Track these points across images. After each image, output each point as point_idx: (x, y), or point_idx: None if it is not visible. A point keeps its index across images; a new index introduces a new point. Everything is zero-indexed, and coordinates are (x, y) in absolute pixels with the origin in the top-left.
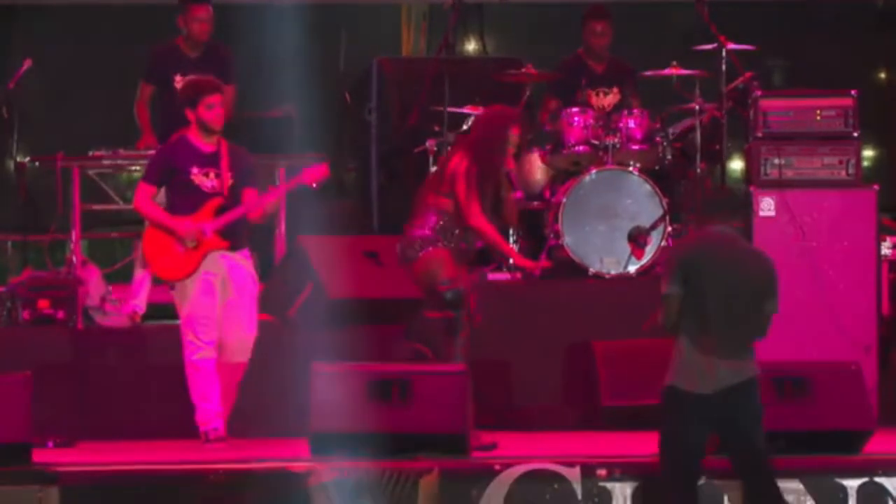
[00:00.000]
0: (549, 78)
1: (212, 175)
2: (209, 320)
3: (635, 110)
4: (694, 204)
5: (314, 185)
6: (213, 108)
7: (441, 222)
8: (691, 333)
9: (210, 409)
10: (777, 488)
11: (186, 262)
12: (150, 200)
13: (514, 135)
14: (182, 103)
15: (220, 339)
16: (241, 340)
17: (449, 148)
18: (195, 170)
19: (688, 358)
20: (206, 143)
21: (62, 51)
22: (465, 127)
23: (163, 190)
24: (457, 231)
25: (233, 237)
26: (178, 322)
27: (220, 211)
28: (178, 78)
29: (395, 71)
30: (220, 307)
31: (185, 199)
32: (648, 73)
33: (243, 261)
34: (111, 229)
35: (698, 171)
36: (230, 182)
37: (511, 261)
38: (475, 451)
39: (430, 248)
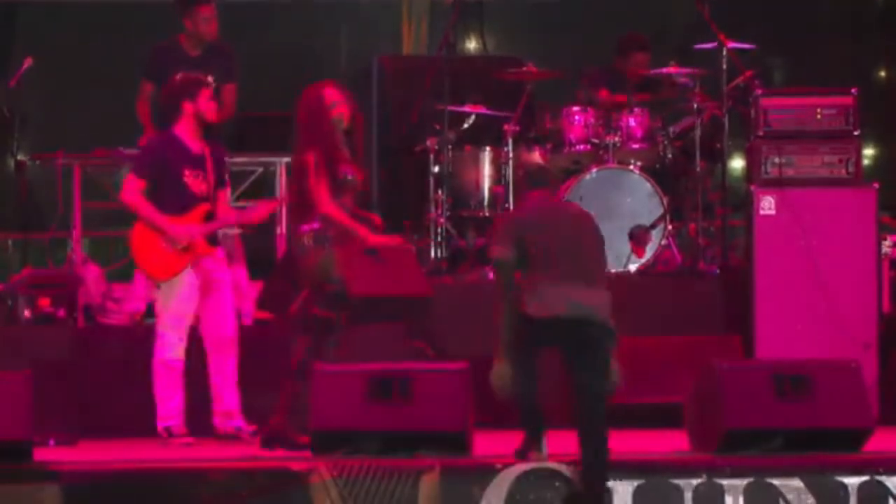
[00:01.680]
0: (549, 76)
1: (201, 178)
2: (188, 321)
3: (636, 109)
4: (519, 178)
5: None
6: (212, 101)
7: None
8: (538, 275)
9: (174, 406)
10: (603, 458)
11: (175, 263)
12: (141, 195)
13: (329, 96)
14: (179, 96)
15: (208, 338)
16: (230, 337)
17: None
18: (187, 171)
19: (538, 290)
20: (195, 142)
21: (63, 49)
22: (465, 126)
23: None
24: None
25: (212, 239)
26: None
27: (209, 216)
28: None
29: (396, 69)
30: (200, 307)
31: (174, 198)
32: (649, 71)
33: (220, 259)
34: (112, 227)
35: (699, 169)
36: (213, 185)
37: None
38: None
39: (323, 245)
